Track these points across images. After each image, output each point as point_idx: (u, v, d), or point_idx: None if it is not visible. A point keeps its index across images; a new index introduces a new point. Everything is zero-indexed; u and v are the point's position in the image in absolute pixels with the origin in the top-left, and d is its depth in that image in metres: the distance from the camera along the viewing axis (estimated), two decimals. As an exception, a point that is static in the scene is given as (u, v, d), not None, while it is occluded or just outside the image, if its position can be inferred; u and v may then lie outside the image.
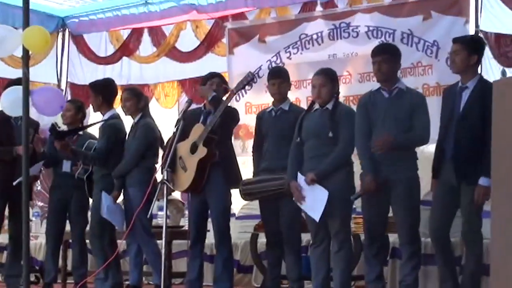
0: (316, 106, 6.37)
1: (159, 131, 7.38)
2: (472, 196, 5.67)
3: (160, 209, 7.84)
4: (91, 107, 7.78)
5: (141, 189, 6.98)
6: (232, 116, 6.81)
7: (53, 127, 7.38)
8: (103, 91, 7.46)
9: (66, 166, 7.73)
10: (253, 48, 9.78)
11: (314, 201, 6.10)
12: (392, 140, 5.91)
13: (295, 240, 6.63)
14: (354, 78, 9.05)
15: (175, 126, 6.62)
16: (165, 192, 6.23)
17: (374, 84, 8.61)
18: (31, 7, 10.09)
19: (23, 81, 5.81)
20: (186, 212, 8.58)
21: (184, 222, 8.54)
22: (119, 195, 7.28)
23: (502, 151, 4.68)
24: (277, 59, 9.60)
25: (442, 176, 5.92)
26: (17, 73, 10.06)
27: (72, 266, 7.97)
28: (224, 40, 10.00)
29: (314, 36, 9.42)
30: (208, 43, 10.24)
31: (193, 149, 6.67)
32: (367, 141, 6.06)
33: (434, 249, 6.02)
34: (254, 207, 8.39)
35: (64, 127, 7.86)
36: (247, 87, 6.99)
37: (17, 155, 7.25)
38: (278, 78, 6.79)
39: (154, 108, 7.89)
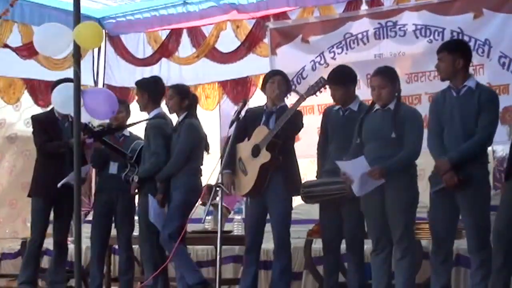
0: (377, 106, 6.12)
1: (204, 132, 7.11)
2: None
3: (207, 213, 7.59)
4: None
5: (182, 192, 6.79)
6: (297, 122, 6.56)
7: (87, 126, 7.16)
8: (150, 89, 7.23)
9: (113, 168, 7.51)
10: (296, 48, 9.59)
11: (365, 183, 5.89)
12: (446, 164, 5.68)
13: (357, 247, 6.41)
14: (402, 78, 8.45)
15: (229, 127, 6.40)
16: (221, 195, 6.01)
17: (422, 85, 8.68)
18: (66, 7, 10.14)
19: (75, 80, 5.57)
20: (231, 217, 8.37)
21: (229, 228, 8.29)
22: (165, 198, 7.00)
23: None
24: (321, 59, 9.42)
25: None
26: (52, 75, 10.12)
27: (118, 272, 7.77)
28: (266, 40, 9.82)
29: (359, 36, 9.22)
30: (249, 44, 10.05)
31: (255, 152, 6.46)
32: (440, 141, 5.84)
33: (493, 252, 5.66)
34: (301, 211, 8.23)
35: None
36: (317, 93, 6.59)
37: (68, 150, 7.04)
38: (331, 84, 6.51)
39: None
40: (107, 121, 7.47)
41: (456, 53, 5.89)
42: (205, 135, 7.12)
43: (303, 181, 6.74)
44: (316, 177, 6.68)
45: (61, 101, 5.82)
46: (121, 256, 7.65)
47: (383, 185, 5.87)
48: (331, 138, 6.52)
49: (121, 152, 7.26)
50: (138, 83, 7.38)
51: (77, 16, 5.61)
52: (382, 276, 6.03)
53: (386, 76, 6.11)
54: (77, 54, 5.58)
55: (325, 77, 6.60)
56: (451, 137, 5.82)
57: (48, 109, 8.72)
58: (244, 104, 6.48)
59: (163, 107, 7.33)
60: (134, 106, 7.74)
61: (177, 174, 6.91)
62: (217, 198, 8.79)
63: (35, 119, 7.76)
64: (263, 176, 6.46)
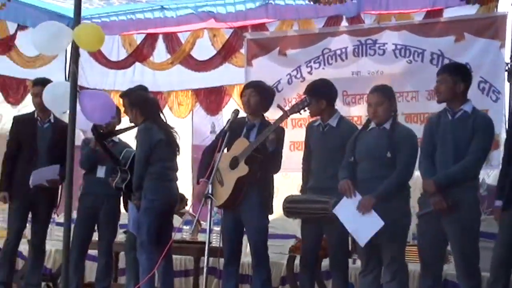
0: (372, 124, 6.08)
1: (168, 134, 6.93)
2: None
3: (186, 223, 7.49)
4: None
5: (146, 198, 6.71)
6: (279, 138, 6.45)
7: (95, 127, 7.04)
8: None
9: (101, 172, 7.37)
10: (273, 60, 9.50)
11: (364, 224, 5.79)
12: (431, 185, 5.68)
13: (341, 265, 6.37)
14: None
15: (219, 137, 6.29)
16: (209, 206, 5.91)
17: (399, 105, 8.41)
18: (42, 6, 9.91)
19: (71, 80, 5.39)
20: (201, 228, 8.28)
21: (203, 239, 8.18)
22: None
23: None
24: (297, 73, 9.33)
25: None
26: (24, 73, 9.91)
27: (96, 277, 7.60)
28: (243, 50, 9.73)
29: (338, 52, 9.15)
30: (225, 53, 9.94)
31: (234, 164, 6.35)
32: (430, 162, 5.81)
33: (492, 280, 5.70)
34: (277, 226, 8.12)
35: None
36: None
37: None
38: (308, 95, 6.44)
39: (167, 117, 7.54)
40: None
41: (457, 77, 5.86)
42: (167, 137, 6.91)
43: (275, 195, 6.66)
44: (301, 191, 6.63)
45: (52, 99, 5.59)
46: (100, 262, 7.52)
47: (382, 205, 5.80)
48: (313, 153, 6.50)
49: (115, 158, 7.11)
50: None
51: (77, 16, 5.46)
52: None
53: (383, 93, 6.09)
54: (75, 54, 5.40)
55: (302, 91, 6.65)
56: (442, 159, 5.78)
57: (19, 106, 8.59)
58: (237, 114, 6.36)
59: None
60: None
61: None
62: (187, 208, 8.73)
63: (13, 119, 7.72)
64: (239, 189, 6.35)
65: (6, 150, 7.48)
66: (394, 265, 5.85)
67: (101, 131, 7.10)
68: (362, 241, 5.81)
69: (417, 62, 8.59)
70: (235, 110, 6.51)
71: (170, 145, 6.89)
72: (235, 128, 6.43)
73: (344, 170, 6.02)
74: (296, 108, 6.31)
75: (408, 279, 6.46)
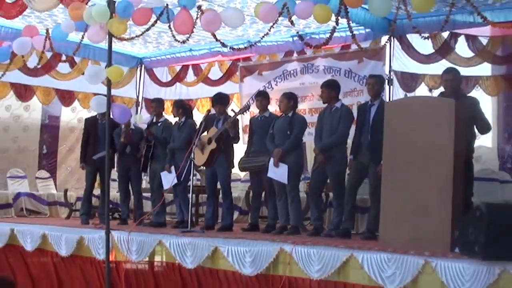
0: (284, 114, 6.56)
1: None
2: (377, 171, 5.82)
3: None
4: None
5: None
6: (235, 126, 6.90)
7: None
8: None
9: (129, 149, 7.87)
10: (255, 78, 9.78)
11: (280, 173, 6.32)
12: (316, 150, 6.20)
13: (272, 196, 6.77)
14: (315, 98, 9.04)
15: (199, 125, 6.85)
16: (192, 165, 6.50)
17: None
18: (121, 51, 10.25)
19: (107, 98, 5.97)
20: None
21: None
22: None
23: (389, 146, 4.98)
24: (269, 85, 9.60)
25: (359, 158, 6.08)
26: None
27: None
28: (237, 73, 10.01)
29: (292, 72, 9.43)
30: (228, 75, 10.22)
31: (209, 141, 6.83)
32: (319, 138, 6.29)
33: (346, 199, 6.13)
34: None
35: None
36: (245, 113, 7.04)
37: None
38: (258, 97, 6.94)
39: (195, 113, 8.19)
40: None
41: (330, 88, 6.31)
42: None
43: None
44: (245, 155, 7.01)
45: (95, 105, 6.14)
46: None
47: (284, 158, 6.30)
48: (255, 133, 6.90)
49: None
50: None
51: (109, 59, 5.94)
52: (283, 213, 6.49)
53: (284, 95, 6.57)
54: (108, 84, 5.98)
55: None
56: (325, 135, 6.25)
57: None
58: (208, 112, 6.97)
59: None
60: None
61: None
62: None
63: (85, 120, 8.28)
64: (211, 156, 6.82)
65: (82, 138, 8.09)
66: (292, 193, 6.34)
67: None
68: (285, 181, 6.32)
69: (337, 76, 8.80)
70: (207, 110, 7.11)
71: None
72: (211, 120, 6.95)
73: (272, 141, 6.51)
74: (241, 111, 6.79)
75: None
